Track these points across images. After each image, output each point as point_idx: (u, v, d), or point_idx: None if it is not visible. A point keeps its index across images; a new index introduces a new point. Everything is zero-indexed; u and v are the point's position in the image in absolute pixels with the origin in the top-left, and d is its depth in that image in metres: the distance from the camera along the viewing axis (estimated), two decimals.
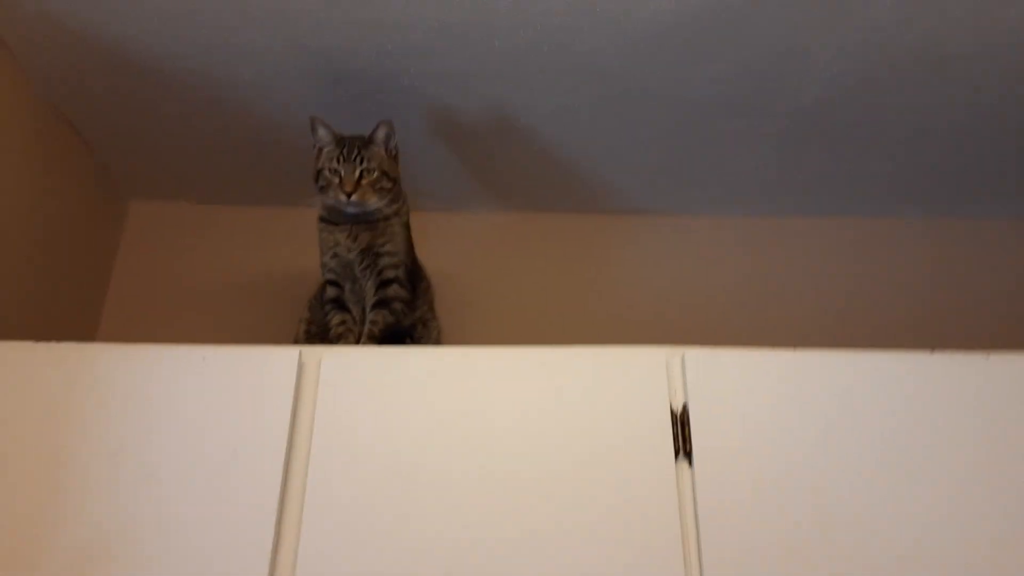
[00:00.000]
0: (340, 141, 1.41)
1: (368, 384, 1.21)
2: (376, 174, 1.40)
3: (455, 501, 1.12)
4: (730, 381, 1.18)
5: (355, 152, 1.39)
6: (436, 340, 1.50)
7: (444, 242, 1.86)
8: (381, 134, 1.42)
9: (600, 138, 1.66)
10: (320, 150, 1.42)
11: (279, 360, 1.22)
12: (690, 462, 1.13)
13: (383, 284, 1.40)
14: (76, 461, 1.18)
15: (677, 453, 1.14)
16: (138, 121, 1.66)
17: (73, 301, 1.72)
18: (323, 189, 1.40)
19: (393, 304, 1.39)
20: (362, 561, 1.09)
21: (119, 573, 1.10)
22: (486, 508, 1.12)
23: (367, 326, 1.37)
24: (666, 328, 1.79)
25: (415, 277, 1.49)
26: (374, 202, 1.40)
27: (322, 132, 1.41)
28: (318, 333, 1.44)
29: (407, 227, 1.48)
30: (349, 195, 1.37)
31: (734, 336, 1.66)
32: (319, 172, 1.40)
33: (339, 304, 1.43)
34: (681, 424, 1.16)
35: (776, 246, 1.87)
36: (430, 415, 1.18)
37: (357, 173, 1.38)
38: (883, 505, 1.10)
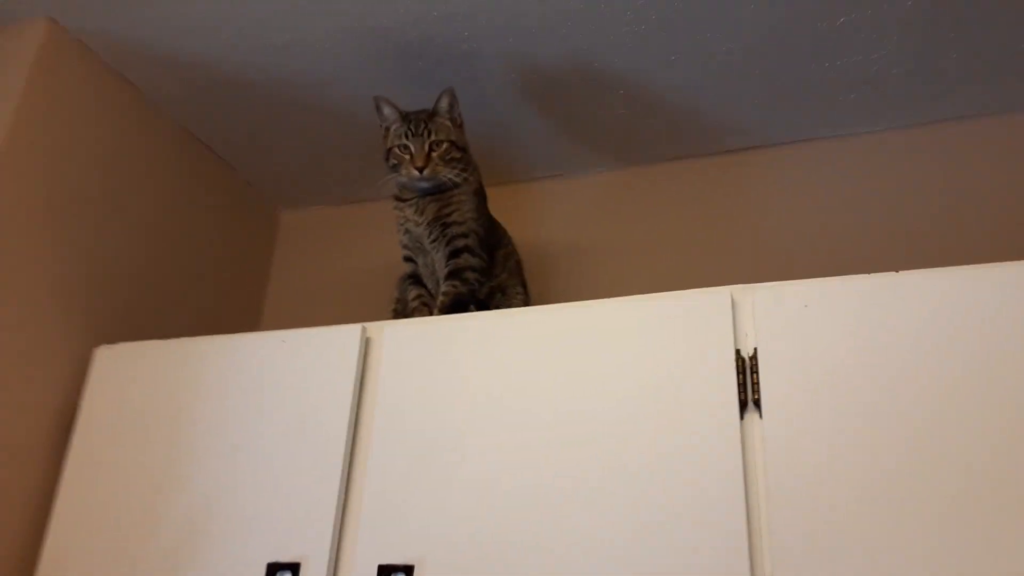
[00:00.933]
0: (406, 117, 1.43)
1: (425, 353, 1.23)
2: (445, 145, 1.41)
3: (510, 473, 1.11)
4: (804, 318, 1.07)
5: (422, 126, 1.40)
6: (523, 303, 1.48)
7: (558, 208, 1.85)
8: (444, 104, 1.43)
9: (693, 72, 1.55)
10: (387, 129, 1.44)
11: (346, 337, 1.28)
12: (760, 412, 1.03)
13: (453, 254, 1.40)
14: (187, 437, 1.30)
15: (744, 404, 1.05)
16: (268, 138, 1.82)
17: (240, 299, 1.95)
18: (395, 167, 1.42)
19: (465, 273, 1.39)
20: (426, 525, 1.12)
21: (219, 530, 1.21)
22: (540, 464, 1.10)
23: (440, 298, 1.38)
24: (792, 260, 1.65)
25: (492, 244, 1.48)
26: (446, 173, 1.41)
27: (387, 111, 1.44)
28: (402, 311, 1.47)
29: (477, 195, 1.47)
30: (421, 170, 1.39)
31: (861, 263, 1.51)
32: (389, 151, 1.43)
33: (415, 279, 1.46)
34: (750, 371, 1.06)
35: (908, 160, 1.66)
36: (487, 377, 1.18)
37: (427, 147, 1.39)
38: (983, 438, 0.94)
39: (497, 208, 1.85)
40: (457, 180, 1.42)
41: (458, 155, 1.43)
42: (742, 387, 1.06)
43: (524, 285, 1.54)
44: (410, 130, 1.41)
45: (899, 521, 0.94)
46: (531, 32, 1.47)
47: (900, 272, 1.07)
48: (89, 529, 1.30)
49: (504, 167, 1.88)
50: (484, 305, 1.41)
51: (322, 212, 2.08)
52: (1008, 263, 1.04)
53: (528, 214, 1.88)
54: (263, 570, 1.16)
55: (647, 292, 1.22)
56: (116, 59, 1.60)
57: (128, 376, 1.41)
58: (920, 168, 1.66)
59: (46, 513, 1.36)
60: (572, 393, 1.14)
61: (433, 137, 1.40)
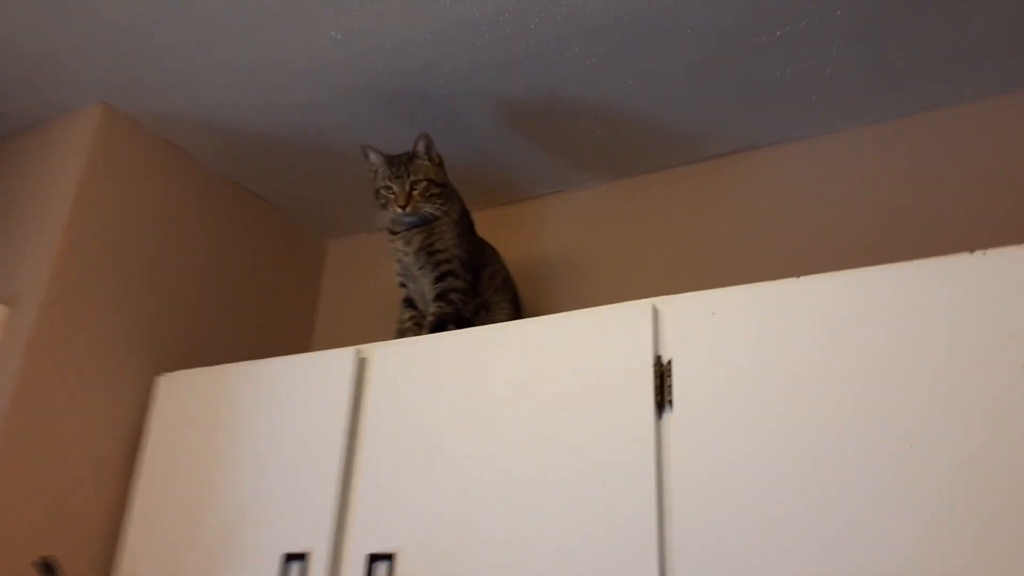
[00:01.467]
0: (389, 161, 1.62)
1: (410, 370, 1.42)
2: (424, 184, 1.59)
3: (472, 464, 1.29)
4: (712, 326, 1.19)
5: (402, 168, 1.59)
6: (509, 317, 1.64)
7: (554, 221, 2.00)
8: (421, 147, 1.61)
9: (650, 92, 1.66)
10: (375, 172, 1.64)
11: (342, 359, 1.49)
12: (671, 411, 1.16)
13: (439, 278, 1.58)
14: (225, 450, 1.56)
15: (661, 405, 1.18)
16: (305, 179, 2.07)
17: (293, 322, 2.22)
18: (383, 205, 1.62)
19: (450, 295, 1.57)
20: (408, 518, 1.31)
21: (248, 527, 1.46)
22: (501, 463, 1.27)
23: (428, 318, 1.57)
24: (782, 258, 1.73)
25: (477, 266, 1.65)
26: (426, 208, 1.59)
27: (373, 156, 1.64)
28: (402, 330, 1.67)
29: (459, 223, 1.64)
30: (404, 207, 1.58)
31: (856, 256, 1.58)
32: (377, 192, 1.63)
33: (409, 302, 1.65)
34: (666, 375, 1.19)
35: (874, 155, 1.70)
36: (452, 390, 1.36)
37: (407, 187, 1.58)
38: (880, 436, 1.03)
39: (492, 227, 2.02)
40: (437, 213, 1.60)
41: (437, 191, 1.61)
42: (658, 389, 1.19)
43: (513, 300, 1.70)
44: (393, 172, 1.60)
45: (798, 510, 1.05)
46: (493, 71, 1.63)
47: (800, 278, 1.16)
48: (156, 527, 1.58)
49: (495, 190, 2.05)
50: (469, 322, 1.58)
51: (363, 239, 2.31)
52: (900, 263, 1.11)
53: (522, 231, 2.03)
54: (279, 559, 1.39)
55: (637, 296, 1.36)
56: (163, 129, 1.88)
57: (183, 399, 1.68)
58: (885, 162, 1.69)
59: (123, 514, 1.66)
60: (521, 399, 1.30)
61: (412, 178, 1.58)
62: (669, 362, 1.20)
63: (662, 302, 1.25)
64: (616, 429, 1.20)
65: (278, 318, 2.18)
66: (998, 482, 0.96)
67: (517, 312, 1.70)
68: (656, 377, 1.20)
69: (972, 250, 1.07)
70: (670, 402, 1.18)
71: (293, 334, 2.22)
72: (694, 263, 1.83)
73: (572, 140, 1.84)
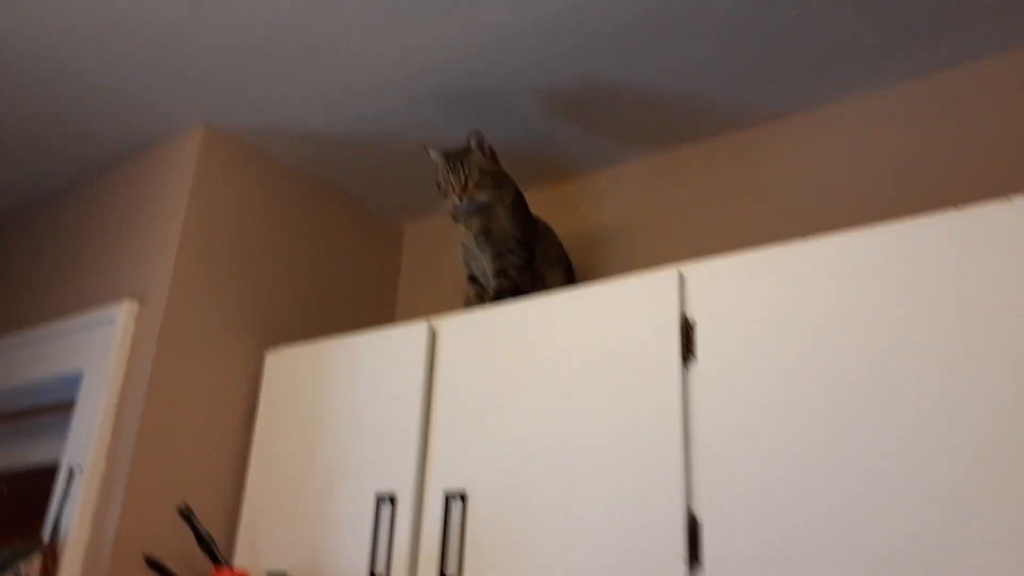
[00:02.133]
0: (447, 156, 1.83)
1: (474, 338, 1.65)
2: (478, 175, 1.80)
3: (527, 415, 1.52)
4: (731, 288, 1.36)
5: (458, 163, 1.80)
6: (561, 285, 1.84)
7: (602, 196, 2.18)
8: (473, 143, 1.82)
9: (689, 70, 1.81)
10: (437, 167, 1.86)
11: (416, 330, 1.73)
12: (695, 363, 1.35)
13: (496, 257, 1.80)
14: (325, 413, 1.83)
15: (686, 357, 1.36)
16: (384, 172, 2.32)
17: (378, 299, 2.49)
18: (444, 196, 1.84)
19: (508, 271, 1.79)
20: (476, 462, 1.55)
21: (347, 474, 1.73)
22: (547, 418, 1.49)
23: (490, 292, 1.79)
24: (814, 219, 1.86)
25: (531, 242, 1.85)
26: (481, 197, 1.80)
27: (433, 154, 1.85)
28: (467, 303, 1.90)
29: (513, 206, 1.84)
30: (460, 198, 1.79)
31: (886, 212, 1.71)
32: (438, 184, 1.85)
33: (473, 279, 1.88)
34: (688, 332, 1.37)
35: (904, 114, 1.80)
36: (509, 353, 1.59)
37: (462, 179, 1.79)
38: (887, 390, 1.19)
39: (546, 204, 2.21)
40: (491, 200, 1.81)
41: (489, 180, 1.81)
42: (684, 344, 1.38)
43: (567, 271, 1.90)
44: (450, 166, 1.81)
45: (807, 446, 1.22)
46: (537, 68, 1.83)
47: (807, 240, 1.32)
48: (271, 478, 1.87)
49: (547, 170, 2.24)
50: (526, 294, 1.79)
51: (435, 222, 2.55)
52: (901, 222, 1.25)
53: (574, 206, 2.22)
54: (373, 499, 1.66)
55: (680, 259, 1.51)
56: (258, 141, 2.16)
57: (288, 371, 1.97)
58: (915, 120, 1.79)
59: (244, 468, 1.97)
60: (567, 358, 1.51)
61: (467, 171, 1.80)
62: (693, 320, 1.39)
63: (687, 268, 1.43)
64: (648, 379, 1.40)
65: (365, 296, 2.45)
66: (998, 417, 1.11)
67: (570, 282, 1.90)
68: (682, 334, 1.39)
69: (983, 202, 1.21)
70: (694, 355, 1.36)
71: (378, 309, 2.49)
72: (731, 227, 1.97)
73: (614, 120, 2.01)
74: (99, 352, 1.99)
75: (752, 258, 1.36)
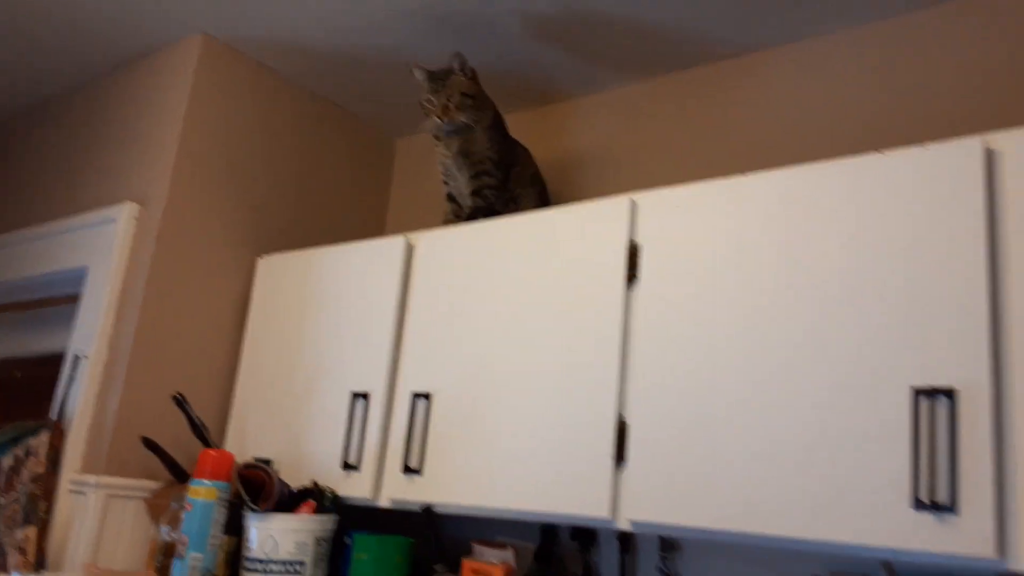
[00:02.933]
0: (431, 76, 1.90)
1: (447, 252, 1.77)
2: (459, 97, 1.87)
3: (489, 325, 1.64)
4: (677, 218, 1.46)
5: (440, 84, 1.87)
6: (535, 206, 1.94)
7: (581, 121, 2.25)
8: (456, 64, 1.89)
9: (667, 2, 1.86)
10: (422, 87, 1.93)
11: (394, 245, 1.85)
12: (638, 284, 1.46)
13: (473, 177, 1.89)
14: (309, 319, 1.97)
15: (631, 279, 1.47)
16: (377, 88, 2.39)
17: (369, 211, 2.60)
18: (426, 115, 1.92)
19: (483, 191, 1.88)
20: (441, 367, 1.69)
21: (329, 375, 1.88)
22: (506, 329, 1.62)
23: (465, 211, 1.89)
24: (783, 150, 1.93)
25: (507, 164, 1.94)
26: (461, 118, 1.88)
27: (418, 73, 1.93)
28: (445, 221, 2.00)
29: (491, 128, 1.92)
30: (441, 118, 1.87)
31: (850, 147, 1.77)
32: (421, 104, 1.92)
33: (451, 197, 1.97)
34: (633, 256, 1.48)
35: (873, 52, 1.84)
36: (476, 269, 1.70)
37: (444, 100, 1.87)
38: (806, 309, 1.30)
39: (526, 128, 2.29)
40: (470, 122, 1.89)
41: (470, 102, 1.89)
42: (629, 267, 1.49)
43: (540, 193, 2.00)
44: (432, 87, 1.88)
45: (727, 358, 1.35)
46: None
47: (747, 175, 1.41)
48: (259, 374, 2.03)
49: (528, 94, 2.30)
50: (499, 214, 1.89)
51: (428, 137, 2.59)
52: (828, 162, 1.34)
53: (553, 130, 2.30)
54: (348, 396, 1.81)
55: (653, 185, 1.60)
56: (255, 52, 2.24)
57: (278, 276, 2.10)
58: (886, 58, 1.84)
59: (235, 364, 2.13)
60: (527, 275, 1.63)
61: (448, 92, 1.87)
62: (640, 245, 1.49)
63: (640, 196, 1.53)
64: (595, 298, 1.51)
65: (357, 208, 2.56)
66: (890, 326, 1.22)
67: (544, 204, 1.99)
68: (629, 257, 1.49)
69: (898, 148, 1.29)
70: (638, 277, 1.47)
71: (369, 222, 2.60)
72: (704, 157, 2.04)
73: (596, 47, 2.07)
74: (103, 250, 2.13)
75: (697, 189, 1.45)
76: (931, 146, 1.20)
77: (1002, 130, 1.18)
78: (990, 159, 1.17)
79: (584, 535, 1.83)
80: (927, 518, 1.09)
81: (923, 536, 1.09)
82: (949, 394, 1.11)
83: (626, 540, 1.76)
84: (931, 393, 1.12)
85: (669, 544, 1.71)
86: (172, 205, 2.07)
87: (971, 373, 1.10)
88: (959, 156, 1.18)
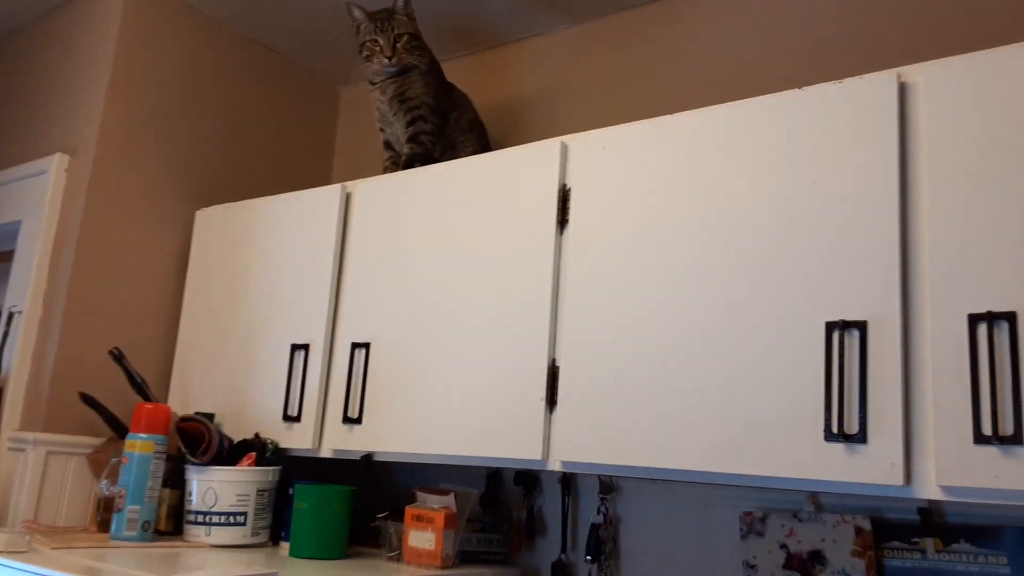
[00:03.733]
0: (372, 16, 1.85)
1: (384, 200, 1.74)
2: (406, 37, 1.83)
3: (425, 273, 1.63)
4: (602, 158, 1.45)
5: (386, 23, 1.83)
6: (473, 152, 1.91)
7: (521, 65, 2.22)
8: (400, 3, 1.84)
9: None
10: (358, 27, 1.88)
11: (332, 193, 1.82)
12: (568, 228, 1.46)
13: (409, 123, 1.86)
14: (245, 269, 1.94)
15: (562, 223, 1.47)
16: (317, 32, 2.31)
17: (314, 160, 2.55)
18: (368, 58, 1.87)
19: (420, 137, 1.85)
20: (379, 316, 1.68)
21: (269, 327, 1.86)
22: (442, 276, 1.61)
23: (402, 158, 1.86)
24: (723, 87, 1.91)
25: (444, 110, 1.91)
26: (410, 59, 1.84)
27: (357, 12, 1.87)
28: (383, 168, 1.97)
29: (428, 72, 1.89)
30: (390, 58, 1.83)
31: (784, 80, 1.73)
32: (362, 45, 1.87)
33: (388, 144, 1.94)
34: (565, 199, 1.47)
35: None
36: (411, 218, 1.69)
37: (392, 39, 1.82)
38: (709, 237, 1.30)
39: (466, 73, 2.25)
40: (415, 63, 1.85)
41: (416, 43, 1.85)
42: (560, 211, 1.48)
43: (480, 138, 1.97)
44: (377, 27, 1.83)
45: (654, 300, 1.35)
46: None
47: (668, 116, 1.40)
48: (200, 327, 2.01)
49: (467, 38, 2.26)
50: (437, 160, 1.86)
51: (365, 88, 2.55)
52: (740, 101, 1.32)
53: (493, 75, 2.26)
54: (289, 348, 1.80)
55: (603, 125, 1.58)
56: None
57: (217, 228, 2.07)
58: None
59: (176, 317, 2.10)
60: (461, 222, 1.61)
61: (396, 31, 1.82)
62: (570, 189, 1.48)
63: (569, 138, 1.51)
64: (527, 243, 1.50)
65: (301, 158, 2.51)
66: (793, 263, 1.23)
67: (482, 150, 1.96)
68: (560, 201, 1.48)
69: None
70: (568, 220, 1.46)
71: (316, 172, 2.55)
72: (644, 97, 2.02)
73: None
74: (35, 203, 2.07)
75: (622, 131, 1.44)
76: (847, 80, 1.19)
77: (916, 63, 1.17)
78: (903, 92, 1.17)
79: (527, 479, 1.85)
80: (838, 449, 1.11)
81: (835, 467, 1.11)
82: (861, 327, 1.12)
83: (567, 483, 1.79)
84: (843, 326, 1.13)
85: (608, 486, 1.74)
86: (103, 155, 2.01)
87: (882, 307, 1.11)
88: (874, 89, 1.17)
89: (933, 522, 1.35)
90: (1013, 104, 1.08)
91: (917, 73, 1.15)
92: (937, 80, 1.14)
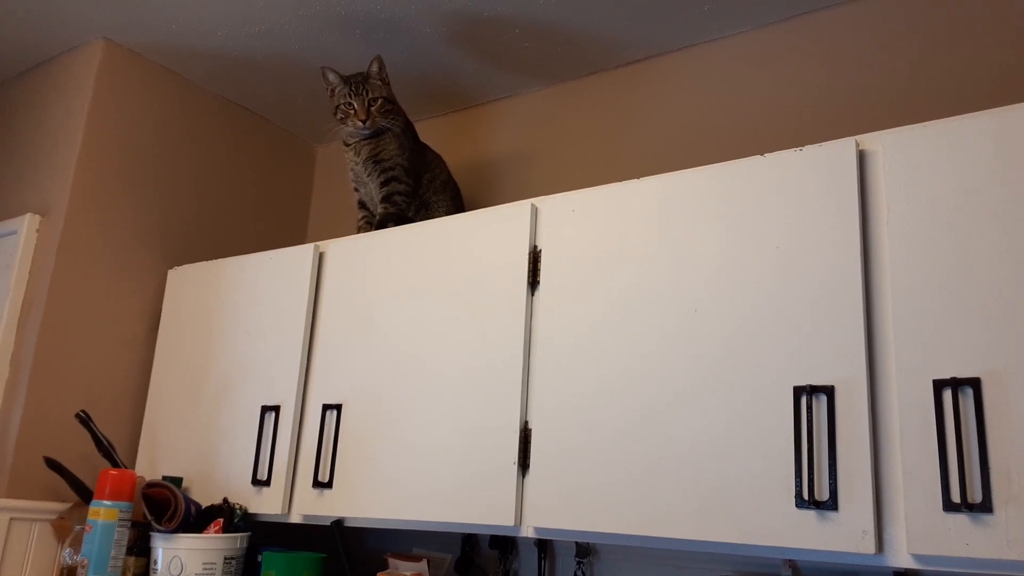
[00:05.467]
0: (347, 80, 1.88)
1: (353, 263, 1.75)
2: (380, 101, 1.85)
3: (396, 334, 1.62)
4: (571, 221, 1.46)
5: (361, 87, 1.85)
6: (447, 212, 1.92)
7: (494, 126, 2.25)
8: (375, 68, 1.86)
9: (565, 5, 1.85)
10: (333, 90, 1.90)
11: (305, 253, 1.82)
12: (539, 289, 1.46)
13: (383, 184, 1.87)
14: (217, 328, 1.92)
15: (533, 284, 1.47)
16: (291, 93, 2.34)
17: (289, 219, 2.55)
18: (342, 120, 1.89)
19: (393, 197, 1.86)
20: (351, 377, 1.66)
21: (239, 387, 1.83)
22: (414, 337, 1.60)
23: (377, 218, 1.86)
24: (693, 151, 1.94)
25: (418, 170, 1.92)
26: (384, 122, 1.86)
27: (331, 76, 1.89)
28: (358, 228, 1.98)
29: (403, 134, 1.90)
30: (364, 121, 1.84)
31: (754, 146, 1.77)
32: (337, 108, 1.89)
33: (362, 204, 1.95)
34: (536, 261, 1.47)
35: (779, 52, 1.87)
36: (383, 278, 1.69)
37: (366, 103, 1.84)
38: (673, 298, 1.30)
39: (439, 134, 2.27)
40: (389, 126, 1.87)
41: (389, 107, 1.87)
42: (531, 272, 1.48)
43: (454, 198, 1.98)
44: (352, 91, 1.86)
45: (625, 358, 1.35)
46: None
47: (638, 179, 1.41)
48: (170, 387, 1.98)
49: (440, 100, 2.29)
50: (410, 220, 1.87)
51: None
52: (705, 167, 1.34)
53: (466, 136, 2.29)
54: (259, 409, 1.77)
55: (564, 189, 1.59)
56: (159, 56, 2.17)
57: (189, 287, 2.05)
58: (781, 60, 1.86)
59: (146, 377, 2.07)
60: (432, 282, 1.61)
61: (370, 95, 1.85)
62: (540, 251, 1.48)
63: (539, 201, 1.52)
64: (499, 305, 1.50)
65: (277, 216, 2.51)
66: (770, 329, 1.23)
67: (457, 210, 1.97)
68: (530, 263, 1.49)
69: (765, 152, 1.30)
70: (538, 282, 1.47)
71: (290, 230, 2.55)
72: (611, 159, 2.05)
73: (505, 52, 2.06)
74: (4, 263, 2.05)
75: (590, 194, 1.45)
76: (806, 148, 1.21)
77: (874, 131, 1.20)
78: (862, 159, 1.19)
79: (503, 543, 1.82)
80: (810, 516, 1.10)
81: (807, 534, 1.09)
82: (828, 391, 1.12)
83: (544, 547, 1.75)
84: (811, 391, 1.13)
85: (585, 550, 1.71)
86: (73, 216, 2.00)
87: (848, 371, 1.11)
88: (833, 156, 1.20)
89: None
90: (969, 171, 1.10)
91: (875, 141, 1.18)
92: (895, 148, 1.16)
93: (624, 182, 1.41)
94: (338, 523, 1.62)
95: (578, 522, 1.31)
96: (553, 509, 1.35)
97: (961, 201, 1.10)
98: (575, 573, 1.71)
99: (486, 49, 2.05)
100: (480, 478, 1.44)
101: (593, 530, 1.29)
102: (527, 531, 1.39)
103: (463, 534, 1.86)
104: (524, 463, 1.40)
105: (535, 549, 1.77)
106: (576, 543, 1.71)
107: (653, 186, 1.38)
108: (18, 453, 1.85)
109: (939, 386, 1.05)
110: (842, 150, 1.18)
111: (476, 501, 1.43)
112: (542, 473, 1.37)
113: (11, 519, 1.81)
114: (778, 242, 1.23)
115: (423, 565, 1.65)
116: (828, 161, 1.20)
